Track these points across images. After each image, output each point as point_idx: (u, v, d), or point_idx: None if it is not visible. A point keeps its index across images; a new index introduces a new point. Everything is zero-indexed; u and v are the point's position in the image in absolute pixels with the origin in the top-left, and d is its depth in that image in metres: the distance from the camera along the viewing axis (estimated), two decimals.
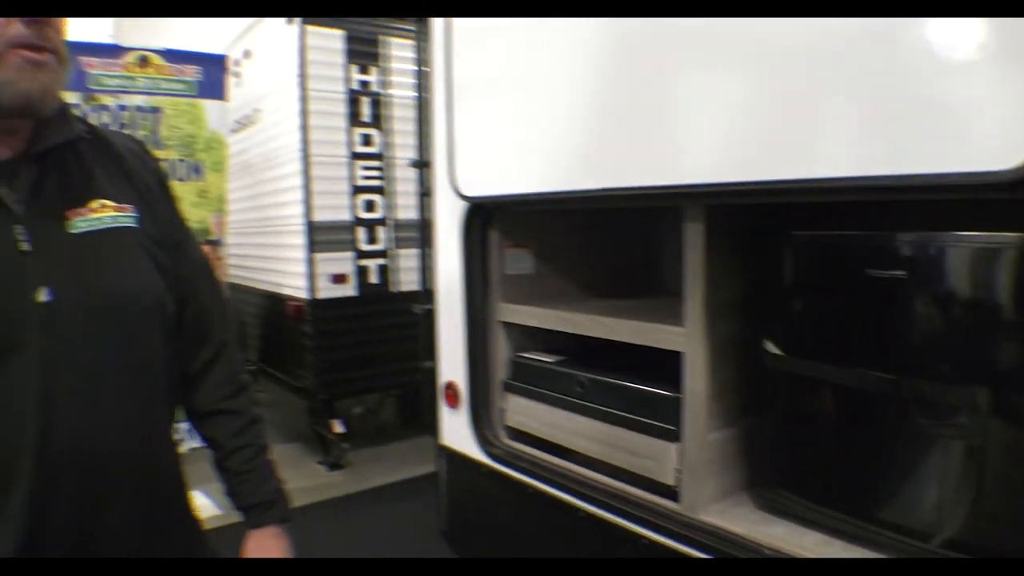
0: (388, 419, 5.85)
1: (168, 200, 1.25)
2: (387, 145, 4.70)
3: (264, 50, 4.97)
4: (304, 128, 4.41)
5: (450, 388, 2.46)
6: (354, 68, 4.58)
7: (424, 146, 2.72)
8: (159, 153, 4.20)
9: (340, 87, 4.53)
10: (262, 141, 5.07)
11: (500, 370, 2.39)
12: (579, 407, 2.14)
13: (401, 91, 4.70)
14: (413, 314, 4.78)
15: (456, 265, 2.37)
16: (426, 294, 2.74)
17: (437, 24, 2.34)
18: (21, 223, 1.00)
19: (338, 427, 4.70)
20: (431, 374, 2.60)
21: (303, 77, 4.39)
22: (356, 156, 4.60)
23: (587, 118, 1.85)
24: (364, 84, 4.62)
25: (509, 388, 2.37)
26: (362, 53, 4.61)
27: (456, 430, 2.46)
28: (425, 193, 2.68)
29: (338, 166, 4.55)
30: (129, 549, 1.11)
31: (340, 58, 4.54)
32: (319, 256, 4.48)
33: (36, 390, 0.98)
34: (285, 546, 1.33)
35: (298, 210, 4.51)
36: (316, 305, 4.48)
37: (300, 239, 4.52)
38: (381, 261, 4.72)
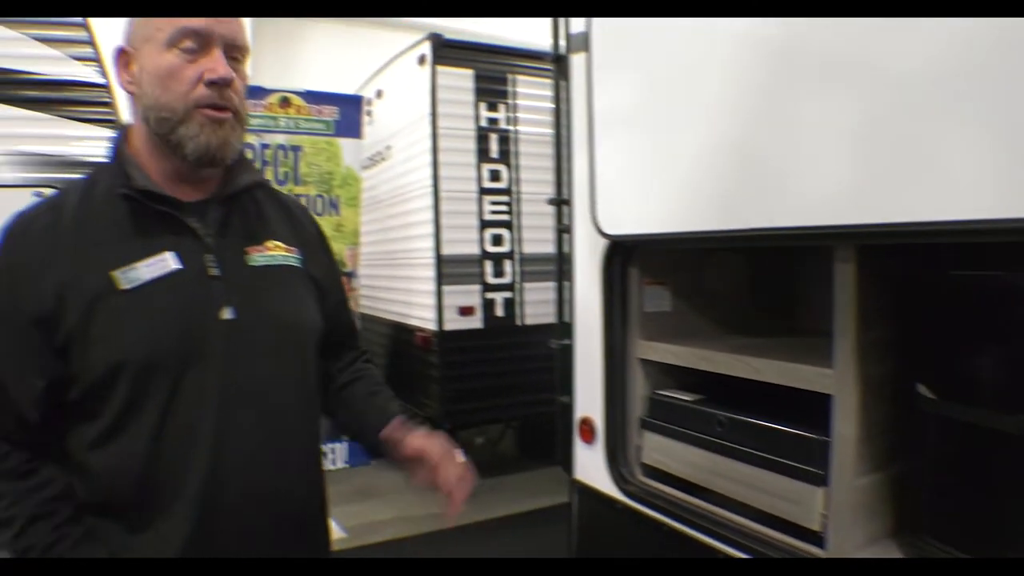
0: (507, 450, 5.91)
1: (324, 251, 1.49)
2: (514, 180, 4.81)
3: (395, 90, 5.20)
4: (435, 164, 4.57)
5: (585, 423, 2.48)
6: (483, 106, 4.72)
7: (561, 183, 2.77)
8: (298, 189, 4.46)
9: (470, 124, 4.68)
10: (392, 177, 5.29)
11: (637, 407, 2.39)
12: (719, 447, 2.11)
13: (529, 127, 4.81)
14: (537, 347, 4.87)
15: (595, 301, 2.39)
16: (561, 329, 2.77)
17: (577, 61, 2.40)
18: (211, 252, 1.22)
19: (461, 456, 4.78)
20: (566, 409, 2.62)
21: (434, 115, 4.55)
22: (484, 191, 4.72)
23: (732, 156, 1.84)
24: (492, 121, 4.75)
25: (646, 425, 2.36)
26: (491, 91, 4.75)
27: (590, 466, 2.47)
28: (563, 230, 2.73)
29: (467, 201, 4.68)
30: (279, 549, 1.27)
31: (470, 96, 4.69)
32: (447, 288, 4.61)
33: (217, 392, 1.18)
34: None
35: (428, 244, 4.66)
36: (443, 336, 4.60)
37: (429, 272, 4.66)
38: (507, 294, 4.80)
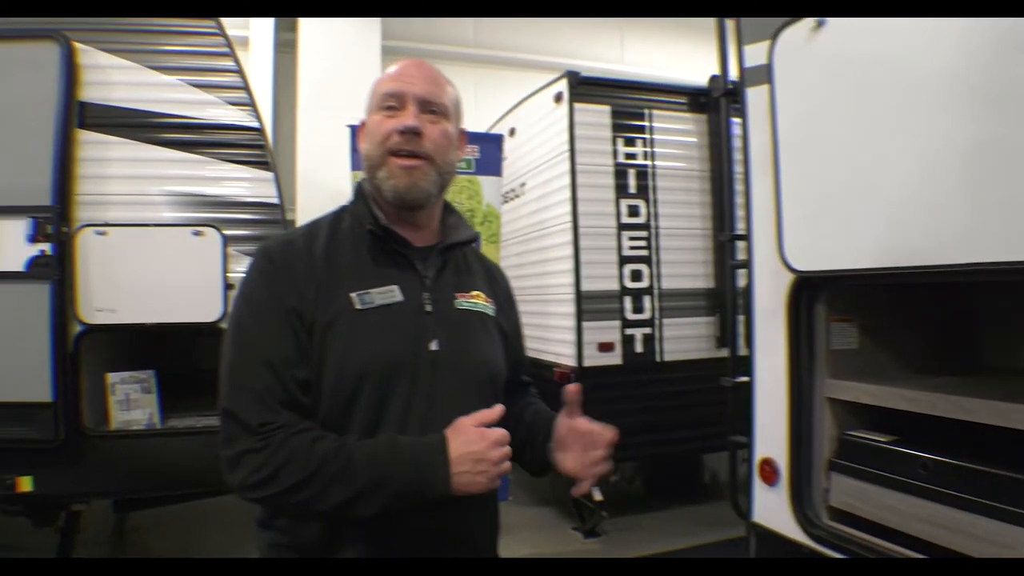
0: (634, 489, 5.82)
1: (512, 306, 1.70)
2: (653, 215, 4.78)
3: (529, 128, 5.27)
4: (574, 201, 4.59)
5: (767, 464, 2.40)
6: (620, 141, 4.73)
7: (723, 217, 2.72)
8: None
9: (607, 160, 4.69)
10: (527, 214, 5.34)
11: (824, 448, 2.30)
12: (922, 490, 2.01)
13: (666, 162, 4.79)
14: (676, 383, 4.80)
15: (778, 338, 2.33)
16: (733, 365, 2.71)
17: (754, 94, 2.37)
18: (429, 292, 1.42)
19: (597, 494, 4.72)
20: (736, 448, 2.56)
21: (572, 152, 4.58)
22: (623, 227, 4.70)
23: (929, 190, 1.78)
24: (630, 156, 4.75)
25: (835, 467, 2.27)
26: (628, 126, 4.76)
27: (771, 508, 2.39)
28: (737, 265, 2.68)
29: (606, 236, 4.67)
30: (472, 549, 1.43)
31: (607, 132, 4.71)
32: (587, 324, 4.59)
33: (418, 411, 1.34)
34: None
35: (566, 279, 4.66)
36: (582, 373, 4.57)
37: (568, 307, 4.66)
38: (646, 330, 4.74)
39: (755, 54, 2.38)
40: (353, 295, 1.34)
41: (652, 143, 4.82)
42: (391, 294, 1.37)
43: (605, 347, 4.65)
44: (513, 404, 1.55)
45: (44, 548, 4.04)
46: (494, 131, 5.77)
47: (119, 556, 4.63)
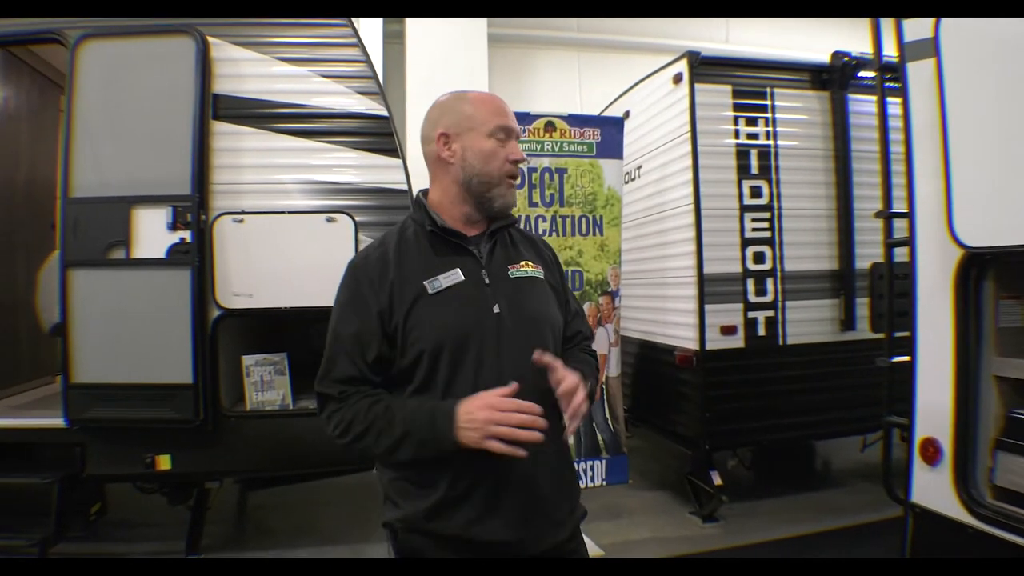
0: (752, 476, 5.76)
1: (558, 268, 2.00)
2: (775, 196, 4.71)
3: (646, 109, 5.26)
4: (696, 183, 4.57)
5: (929, 444, 2.37)
6: (741, 121, 4.68)
7: (885, 197, 2.68)
8: (564, 211, 4.60)
9: (728, 141, 4.65)
10: (643, 197, 5.34)
11: (990, 427, 2.26)
12: None
13: (789, 141, 4.72)
14: (799, 367, 4.73)
15: (942, 317, 2.29)
16: (890, 345, 2.67)
17: (916, 69, 2.33)
18: (484, 269, 1.76)
19: (717, 478, 4.71)
20: (891, 428, 2.52)
21: (694, 133, 4.56)
22: (745, 208, 4.66)
23: None
24: (751, 136, 4.69)
25: (1001, 446, 2.23)
26: (749, 106, 4.70)
27: (932, 488, 2.36)
28: (894, 243, 2.64)
29: (728, 219, 4.64)
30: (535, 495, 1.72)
31: (728, 112, 4.67)
32: (709, 307, 4.57)
33: (488, 372, 1.66)
34: None
35: (688, 262, 4.65)
36: (705, 356, 4.56)
37: (688, 290, 4.65)
38: (769, 313, 4.69)
39: (916, 29, 2.33)
40: (425, 283, 1.70)
41: (774, 122, 4.74)
42: (455, 276, 1.73)
43: (727, 330, 4.62)
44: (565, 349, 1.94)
45: (178, 524, 4.26)
46: (607, 114, 5.77)
47: (242, 534, 4.86)
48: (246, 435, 3.91)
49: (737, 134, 4.68)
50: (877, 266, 4.70)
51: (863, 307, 4.80)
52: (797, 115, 4.81)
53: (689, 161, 4.60)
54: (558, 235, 4.62)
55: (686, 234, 4.67)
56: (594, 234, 4.68)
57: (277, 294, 3.81)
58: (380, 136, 4.38)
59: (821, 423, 4.82)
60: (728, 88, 4.68)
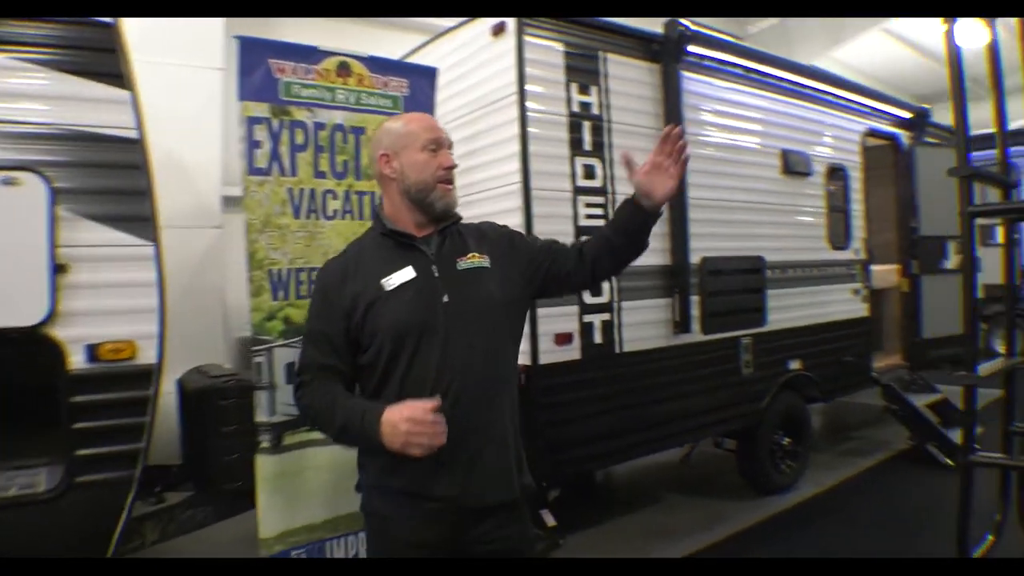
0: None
1: (509, 238, 2.14)
2: (609, 179, 4.00)
3: (452, 66, 4.14)
4: (524, 156, 3.67)
5: None
6: (575, 87, 3.90)
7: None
8: (360, 184, 3.38)
9: (560, 109, 3.83)
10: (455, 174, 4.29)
11: None
12: None
13: (622, 116, 4.06)
14: (636, 378, 4.07)
15: None
16: (1010, 346, 2.02)
17: None
18: (434, 264, 1.98)
19: (550, 518, 3.85)
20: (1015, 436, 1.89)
21: (522, 95, 3.67)
22: (579, 191, 3.88)
23: None
24: (584, 106, 3.93)
25: None
26: (582, 70, 3.94)
27: None
28: (994, 210, 1.99)
29: (561, 202, 3.82)
30: (491, 466, 1.94)
31: (560, 75, 3.85)
32: (541, 312, 3.68)
33: (439, 356, 1.89)
34: None
35: None
36: (538, 373, 3.67)
37: None
38: (605, 316, 3.94)
39: None
40: (382, 281, 1.94)
41: (607, 92, 4.04)
42: (407, 273, 1.95)
43: (563, 339, 3.79)
44: (582, 256, 2.09)
45: None
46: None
47: None
48: None
49: (570, 102, 3.89)
50: (708, 261, 4.24)
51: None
52: (629, 87, 4.17)
53: (516, 130, 3.71)
54: (353, 217, 3.38)
55: (511, 220, 3.74)
56: None
57: None
58: (94, 53, 2.89)
59: (659, 438, 4.25)
60: (561, 47, 3.86)
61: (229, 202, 5.90)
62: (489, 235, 2.12)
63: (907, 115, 6.47)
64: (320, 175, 3.31)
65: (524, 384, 3.65)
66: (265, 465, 3.09)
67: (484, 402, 1.92)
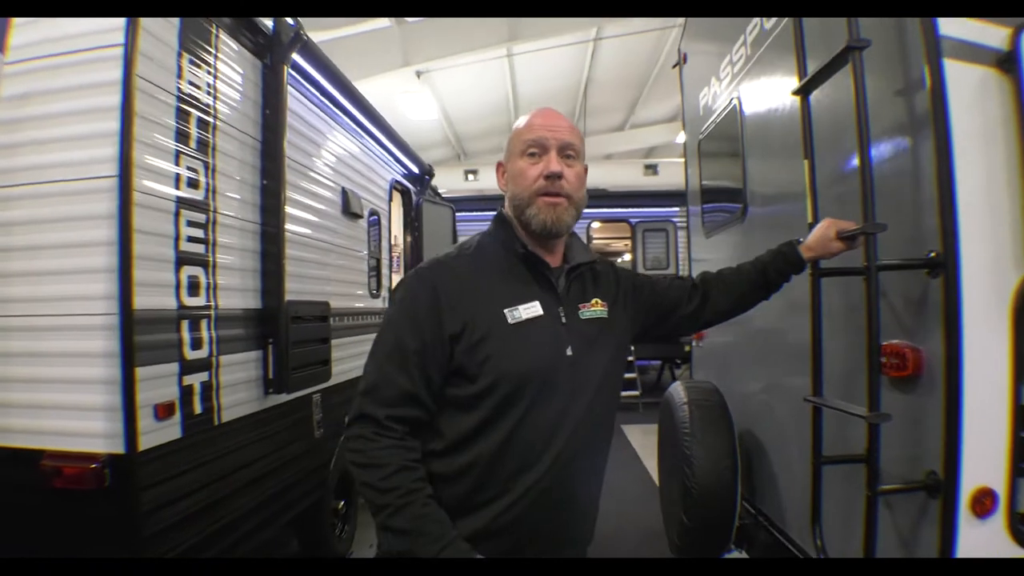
0: None
1: (628, 283, 1.93)
2: (212, 191, 2.96)
3: None
4: (125, 140, 2.47)
5: (984, 496, 2.01)
6: (187, 60, 2.79)
7: (866, 207, 2.15)
8: None
9: (171, 84, 2.70)
10: None
11: None
12: None
13: (228, 115, 3.09)
14: (236, 455, 3.03)
15: (995, 351, 2.01)
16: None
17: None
18: (562, 305, 1.71)
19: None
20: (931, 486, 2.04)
21: (129, 56, 2.48)
22: (182, 202, 2.76)
23: None
24: (194, 88, 2.85)
25: None
26: (197, 45, 2.86)
27: (982, 543, 2.01)
28: (902, 266, 2.09)
29: (164, 214, 2.68)
30: (563, 539, 1.71)
31: (173, 39, 2.71)
32: (142, 372, 2.51)
33: (557, 414, 1.62)
34: None
35: (94, 288, 2.47)
36: (138, 464, 2.47)
37: (91, 343, 2.47)
38: (204, 376, 2.86)
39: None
40: (505, 311, 1.63)
41: (215, 81, 3.01)
42: (534, 308, 1.66)
43: (165, 411, 2.63)
44: (694, 291, 2.02)
45: None
46: None
47: None
48: None
49: (181, 76, 2.77)
50: (291, 305, 3.49)
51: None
52: (238, 82, 3.19)
53: (115, 99, 2.47)
54: None
55: (94, 233, 2.47)
56: None
57: None
58: None
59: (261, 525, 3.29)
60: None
61: None
62: (610, 277, 1.90)
63: (417, 170, 6.62)
64: None
65: (106, 486, 2.43)
66: None
67: (589, 469, 1.72)
